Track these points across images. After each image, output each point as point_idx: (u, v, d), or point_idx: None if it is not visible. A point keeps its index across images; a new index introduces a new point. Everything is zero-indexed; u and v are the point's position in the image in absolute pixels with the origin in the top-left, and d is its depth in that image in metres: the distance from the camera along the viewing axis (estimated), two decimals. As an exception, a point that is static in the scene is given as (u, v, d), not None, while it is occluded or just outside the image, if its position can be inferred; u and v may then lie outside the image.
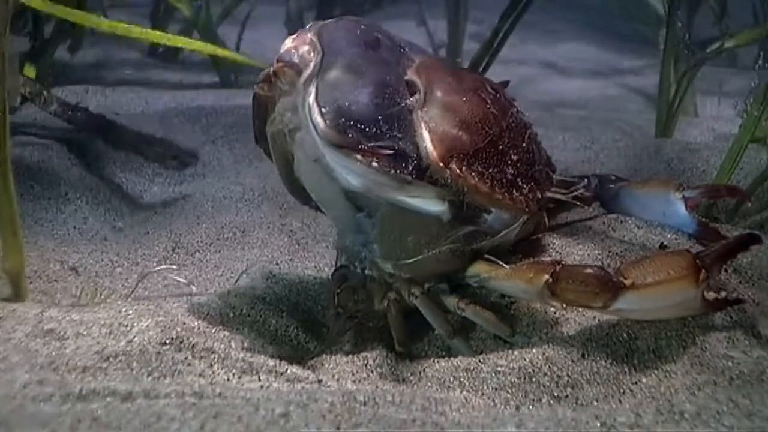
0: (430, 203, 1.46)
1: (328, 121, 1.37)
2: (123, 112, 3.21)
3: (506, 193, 1.47)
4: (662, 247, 1.75)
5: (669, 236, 1.81)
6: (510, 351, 1.47)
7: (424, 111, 1.43)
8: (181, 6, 3.95)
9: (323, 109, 1.38)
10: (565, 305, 1.45)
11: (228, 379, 1.36)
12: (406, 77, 1.48)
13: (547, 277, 1.38)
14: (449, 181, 1.42)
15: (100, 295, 1.84)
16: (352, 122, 1.38)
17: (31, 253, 1.95)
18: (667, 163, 2.65)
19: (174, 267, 2.09)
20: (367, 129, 1.39)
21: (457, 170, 1.41)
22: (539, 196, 1.55)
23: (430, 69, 1.51)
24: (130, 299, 1.85)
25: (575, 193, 1.78)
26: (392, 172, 1.39)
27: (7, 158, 1.63)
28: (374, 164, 1.38)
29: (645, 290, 1.34)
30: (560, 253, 1.78)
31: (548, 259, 1.47)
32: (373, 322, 1.66)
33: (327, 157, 1.43)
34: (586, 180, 1.86)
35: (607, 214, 1.95)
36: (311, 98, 1.40)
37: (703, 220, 1.82)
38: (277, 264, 1.97)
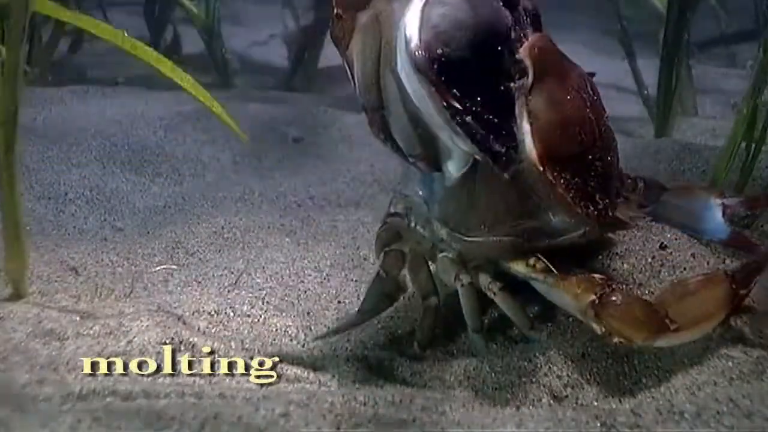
0: (453, 155, 1.38)
1: (422, 41, 1.25)
2: (123, 111, 3.21)
3: (584, 208, 1.36)
4: (662, 247, 1.75)
5: (669, 236, 1.81)
6: (510, 351, 1.46)
7: (529, 99, 1.32)
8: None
9: (422, 26, 1.26)
10: (604, 330, 1.31)
11: (228, 379, 1.36)
12: (516, 56, 1.34)
13: (593, 297, 1.30)
14: (540, 183, 1.33)
15: (100, 295, 1.84)
16: (441, 55, 1.26)
17: (31, 253, 1.94)
18: (667, 163, 2.64)
19: (174, 267, 2.09)
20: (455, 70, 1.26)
21: (551, 176, 1.31)
22: (610, 214, 1.43)
23: (542, 52, 1.37)
24: (129, 299, 1.85)
25: (639, 215, 1.65)
26: (445, 105, 1.27)
27: (15, 161, 1.63)
28: (434, 91, 1.26)
29: (687, 332, 1.32)
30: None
31: (599, 276, 1.35)
32: (409, 313, 1.60)
33: (402, 68, 1.29)
34: (641, 183, 1.73)
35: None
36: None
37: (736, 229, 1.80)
38: (277, 264, 1.96)
